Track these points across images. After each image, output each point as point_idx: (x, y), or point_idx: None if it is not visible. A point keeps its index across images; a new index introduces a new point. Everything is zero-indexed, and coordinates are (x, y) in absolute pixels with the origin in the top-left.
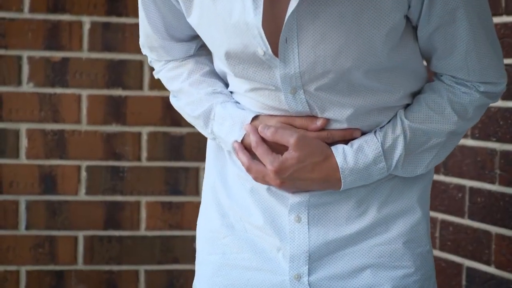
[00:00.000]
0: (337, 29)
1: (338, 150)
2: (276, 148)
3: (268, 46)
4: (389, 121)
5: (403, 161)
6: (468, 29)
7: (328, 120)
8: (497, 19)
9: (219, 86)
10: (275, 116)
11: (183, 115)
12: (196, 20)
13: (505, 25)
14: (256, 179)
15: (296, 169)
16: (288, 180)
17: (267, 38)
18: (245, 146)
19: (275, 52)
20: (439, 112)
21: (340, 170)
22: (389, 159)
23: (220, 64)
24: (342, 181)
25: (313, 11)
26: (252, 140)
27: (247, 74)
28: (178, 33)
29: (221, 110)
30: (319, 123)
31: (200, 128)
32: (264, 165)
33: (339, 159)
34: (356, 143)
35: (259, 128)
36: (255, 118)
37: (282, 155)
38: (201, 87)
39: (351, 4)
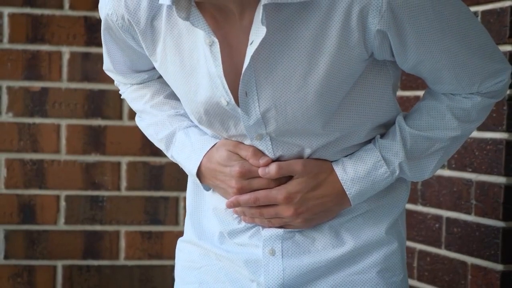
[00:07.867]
0: (293, 82)
1: (338, 163)
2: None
3: (231, 96)
4: (388, 131)
5: (409, 166)
6: (450, 58)
7: (270, 160)
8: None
9: (182, 108)
10: (226, 143)
11: (147, 135)
12: (159, 68)
13: None
14: (270, 222)
15: (305, 190)
16: (301, 205)
17: (230, 89)
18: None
19: (238, 103)
20: (439, 118)
21: (341, 181)
22: (391, 164)
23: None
24: (347, 192)
25: (269, 64)
26: (249, 199)
27: (212, 123)
28: (141, 67)
29: (182, 136)
30: (262, 161)
31: (163, 150)
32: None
33: (338, 172)
34: (355, 154)
35: (260, 172)
36: (213, 146)
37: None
38: (164, 109)
39: (303, 57)
